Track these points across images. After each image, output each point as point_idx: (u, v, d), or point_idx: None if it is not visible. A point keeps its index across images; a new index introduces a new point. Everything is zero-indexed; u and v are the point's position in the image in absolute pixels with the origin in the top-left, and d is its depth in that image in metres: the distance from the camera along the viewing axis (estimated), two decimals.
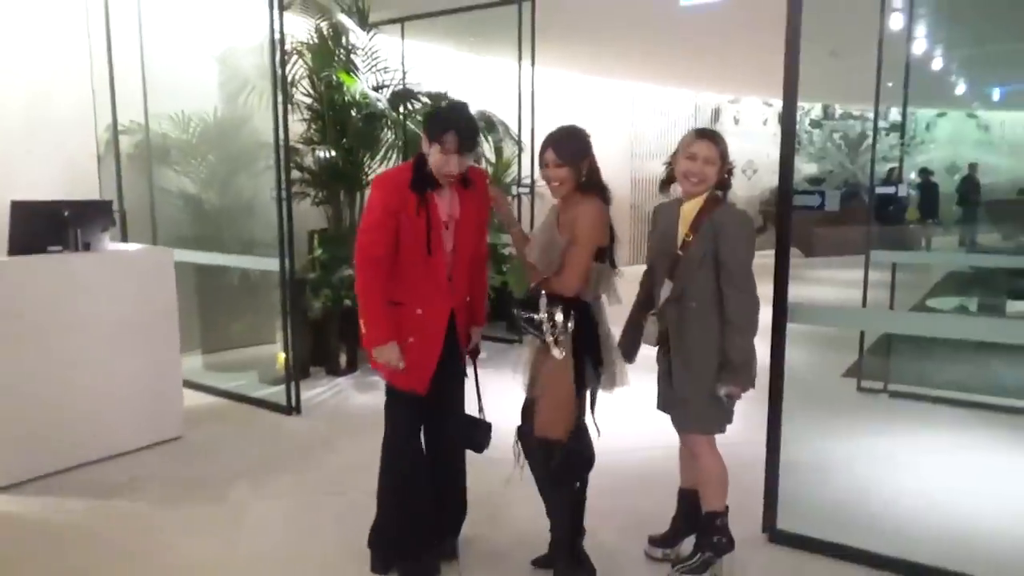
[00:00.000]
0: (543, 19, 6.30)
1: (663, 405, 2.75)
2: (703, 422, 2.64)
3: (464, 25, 6.84)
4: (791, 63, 2.78)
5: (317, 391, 5.16)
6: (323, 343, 5.59)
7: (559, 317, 2.42)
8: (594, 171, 2.50)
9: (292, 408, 4.62)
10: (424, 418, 2.74)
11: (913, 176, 13.25)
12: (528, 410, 2.64)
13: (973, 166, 13.71)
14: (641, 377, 2.70)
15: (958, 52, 9.51)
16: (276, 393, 4.81)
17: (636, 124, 12.09)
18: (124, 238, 5.11)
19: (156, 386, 4.09)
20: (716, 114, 13.35)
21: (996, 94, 12.88)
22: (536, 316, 2.45)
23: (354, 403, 4.93)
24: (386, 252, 2.50)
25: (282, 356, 4.92)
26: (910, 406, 4.84)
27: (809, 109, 15.24)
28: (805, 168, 15.05)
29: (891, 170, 13.22)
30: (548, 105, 7.31)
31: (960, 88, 12.61)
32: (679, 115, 12.84)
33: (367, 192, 6.08)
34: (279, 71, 4.46)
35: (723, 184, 2.64)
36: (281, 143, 4.39)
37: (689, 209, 2.60)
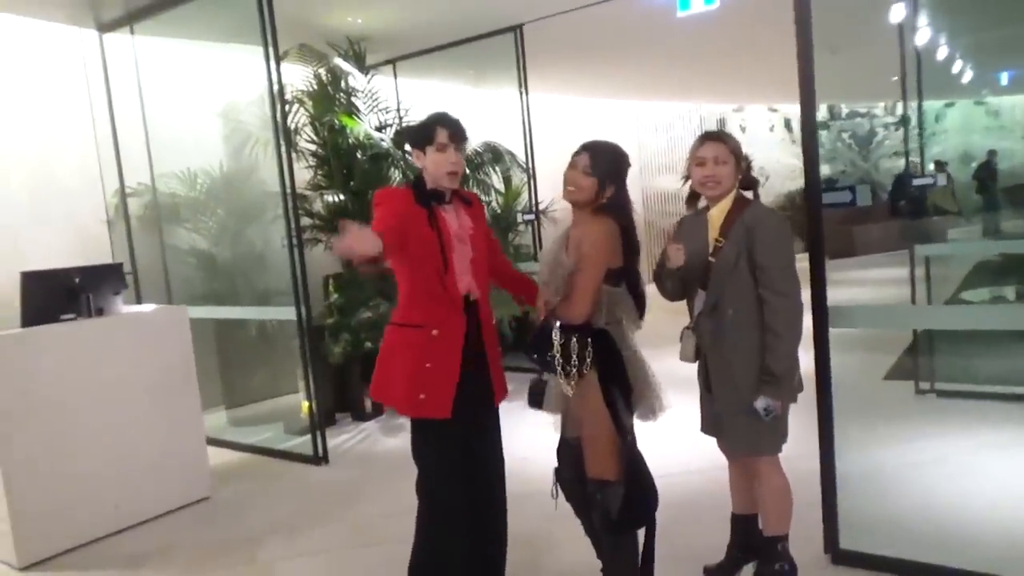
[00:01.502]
0: (535, 45, 6.28)
1: (708, 427, 2.59)
2: (755, 443, 2.45)
3: (457, 58, 6.84)
4: (805, 59, 2.67)
5: (344, 438, 5.05)
6: (346, 389, 5.50)
7: (574, 347, 2.28)
8: (618, 199, 2.36)
9: (320, 458, 4.51)
10: (458, 454, 2.57)
11: (931, 167, 13.03)
12: (563, 452, 2.49)
13: (992, 152, 13.45)
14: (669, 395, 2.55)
15: (962, 40, 9.38)
16: (303, 444, 4.71)
17: (642, 141, 12.02)
18: (138, 300, 5.07)
19: (180, 448, 4.00)
20: (721, 124, 13.27)
21: (1004, 78, 12.70)
22: (550, 352, 2.32)
23: (382, 448, 4.81)
24: (389, 232, 2.21)
25: (306, 405, 4.82)
26: (962, 405, 4.61)
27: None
28: None
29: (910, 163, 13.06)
30: (550, 131, 7.27)
31: (967, 76, 12.46)
32: (684, 128, 12.76)
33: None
34: (280, 121, 4.43)
35: (749, 182, 2.51)
36: (288, 191, 4.34)
37: (717, 214, 2.47)
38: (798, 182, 14.64)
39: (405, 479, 2.66)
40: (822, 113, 15.34)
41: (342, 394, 5.49)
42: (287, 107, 5.52)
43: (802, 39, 2.69)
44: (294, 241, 4.29)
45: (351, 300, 5.52)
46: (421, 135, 2.46)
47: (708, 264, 2.44)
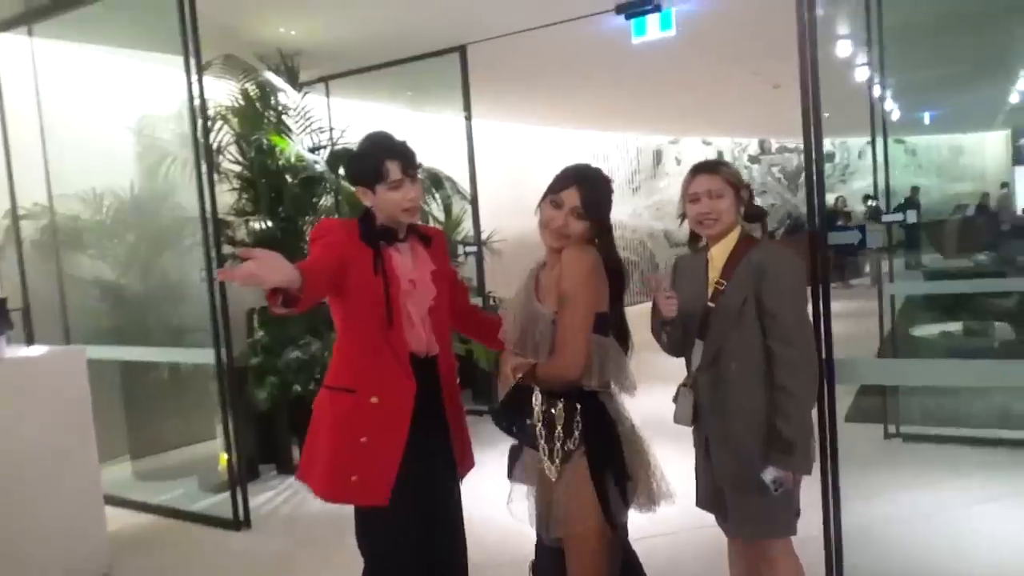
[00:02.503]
0: (477, 68, 5.96)
1: (705, 502, 2.23)
2: (764, 524, 2.10)
3: (395, 79, 6.47)
4: (811, 95, 2.43)
5: (268, 495, 4.49)
6: (272, 437, 4.94)
7: (559, 415, 1.86)
8: (606, 236, 1.99)
9: (240, 522, 3.95)
10: (410, 543, 2.12)
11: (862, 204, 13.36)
12: (542, 555, 2.06)
13: (915, 189, 13.90)
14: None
15: (891, 80, 9.58)
16: (220, 504, 4.14)
17: None
18: (29, 340, 4.43)
19: (72, 514, 3.40)
20: (658, 156, 13.26)
21: (926, 118, 13.15)
22: (529, 420, 1.88)
23: (313, 508, 4.27)
24: (312, 269, 1.86)
25: (224, 458, 4.27)
26: (934, 451, 4.41)
27: (747, 145, 15.37)
28: None
29: (838, 199, 13.35)
30: (488, 158, 6.94)
31: (894, 115, 12.84)
32: (621, 159, 12.69)
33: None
34: (202, 138, 3.94)
35: (755, 215, 2.21)
36: (208, 216, 3.83)
37: (718, 253, 2.15)
38: None
39: (340, 548, 2.24)
40: (753, 147, 15.59)
41: (267, 443, 4.93)
42: (209, 123, 5.03)
43: (805, 74, 2.43)
44: (215, 273, 3.78)
45: (278, 338, 5.00)
46: (367, 171, 2.08)
47: (707, 310, 2.13)
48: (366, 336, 2.04)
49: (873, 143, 5.13)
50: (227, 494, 4.02)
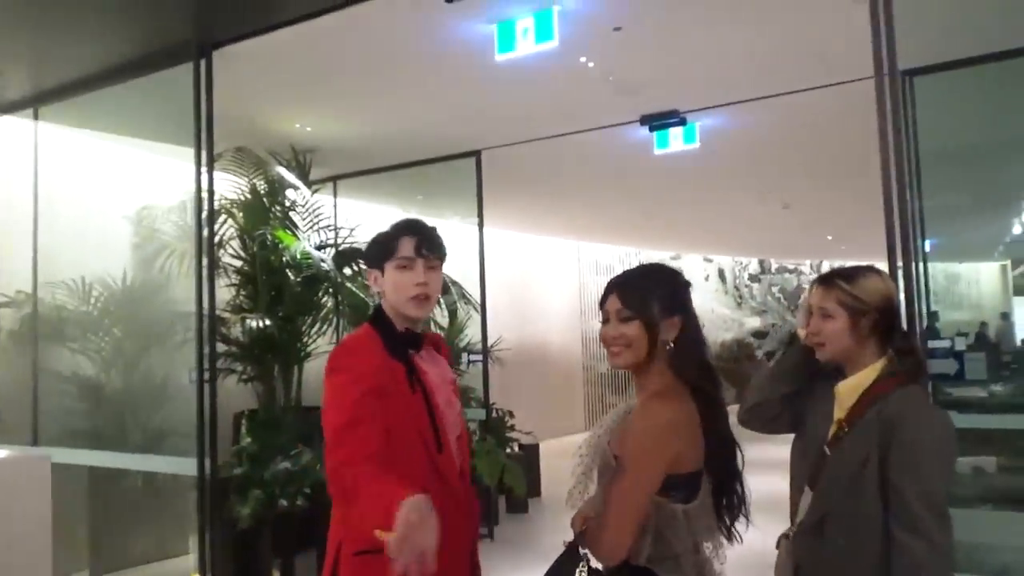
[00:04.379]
0: (488, 174, 5.87)
1: None
2: None
3: (405, 181, 6.37)
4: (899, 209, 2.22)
5: None
6: (252, 557, 4.44)
7: None
8: (686, 345, 1.60)
9: None
10: None
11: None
12: None
13: (933, 314, 13.78)
14: None
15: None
16: None
17: (583, 281, 11.74)
18: None
19: None
20: None
21: (927, 246, 13.21)
22: None
23: None
24: (379, 448, 1.59)
25: None
26: None
27: (747, 263, 15.41)
28: (748, 322, 14.96)
29: None
30: (494, 265, 6.76)
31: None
32: (624, 270, 12.62)
33: (306, 364, 5.38)
34: (207, 232, 3.73)
35: (905, 349, 1.74)
36: (206, 312, 3.55)
37: (846, 391, 1.73)
38: (731, 332, 14.64)
39: None
40: (754, 266, 15.61)
41: (246, 564, 4.43)
42: (214, 217, 4.85)
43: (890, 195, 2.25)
44: (205, 375, 3.45)
45: (267, 446, 4.60)
46: (379, 249, 1.84)
47: (823, 455, 1.73)
48: (414, 473, 1.65)
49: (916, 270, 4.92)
50: None
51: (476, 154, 5.83)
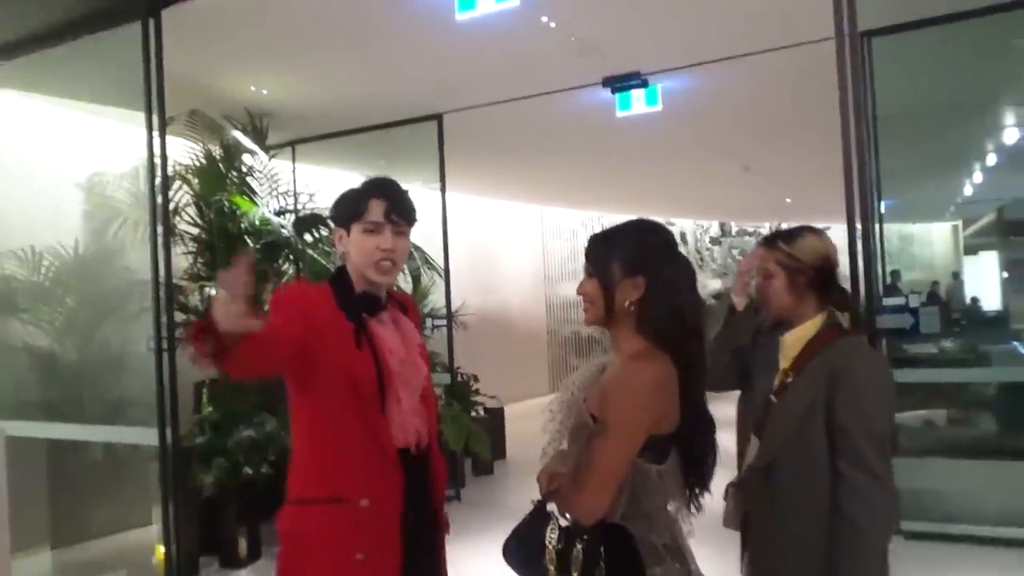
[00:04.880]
0: (450, 138, 5.80)
1: None
2: None
3: (366, 146, 6.27)
4: (865, 174, 2.24)
5: None
6: (216, 526, 4.43)
7: (576, 559, 1.45)
8: (656, 304, 1.50)
9: None
10: None
11: None
12: None
13: (895, 274, 14.02)
14: None
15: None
16: None
17: (547, 246, 11.75)
18: None
19: None
20: None
21: (882, 207, 13.46)
22: (547, 555, 1.48)
23: None
24: (273, 331, 1.55)
25: (161, 551, 3.77)
26: (942, 551, 4.09)
27: (708, 226, 15.55)
28: (710, 284, 15.15)
29: None
30: (457, 230, 6.72)
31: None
32: (586, 236, 12.63)
33: None
34: (162, 199, 3.63)
35: (839, 301, 1.86)
36: (162, 281, 3.48)
37: (792, 341, 1.83)
38: None
39: None
40: (715, 229, 15.77)
41: (210, 533, 4.42)
42: (168, 183, 4.72)
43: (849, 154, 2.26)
44: (164, 344, 3.39)
45: (229, 415, 4.56)
46: (347, 208, 1.80)
47: (769, 404, 1.81)
48: (347, 428, 1.69)
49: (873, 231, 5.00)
50: None
51: (438, 117, 5.75)
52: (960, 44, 4.77)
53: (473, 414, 6.34)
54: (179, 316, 4.78)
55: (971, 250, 15.83)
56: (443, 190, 5.91)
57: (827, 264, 1.82)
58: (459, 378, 6.27)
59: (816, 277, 1.81)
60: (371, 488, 1.69)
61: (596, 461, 1.45)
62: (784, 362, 1.83)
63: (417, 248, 6.28)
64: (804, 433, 1.72)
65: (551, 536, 1.49)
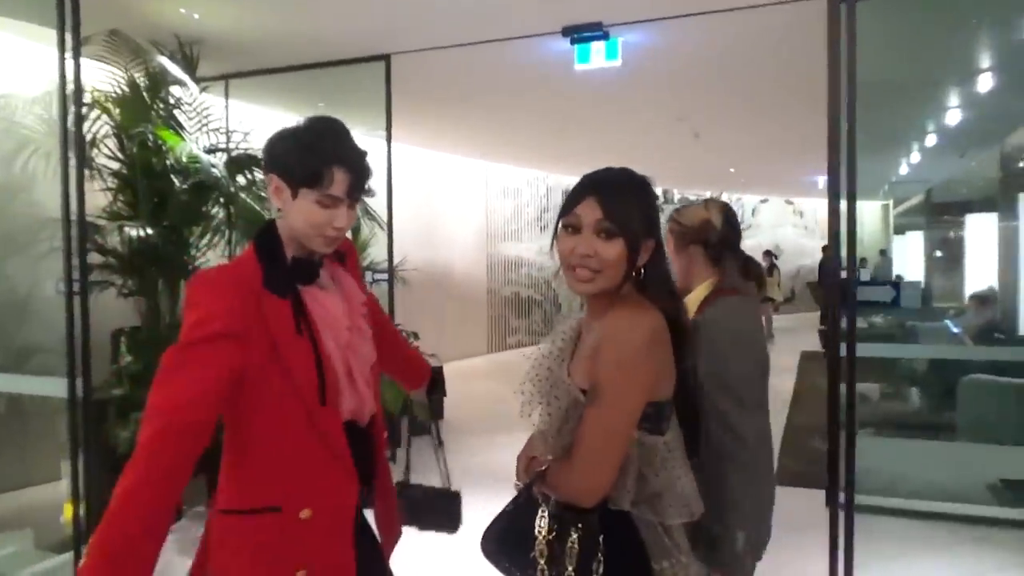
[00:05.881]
0: (398, 84, 5.48)
1: None
2: None
3: (306, 84, 5.89)
4: (844, 145, 2.10)
5: None
6: None
7: (572, 549, 1.28)
8: (661, 266, 1.40)
9: None
10: None
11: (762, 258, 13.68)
12: None
13: (827, 247, 14.28)
14: None
15: (790, 141, 9.81)
16: (60, 569, 3.35)
17: (490, 205, 11.50)
18: None
19: None
20: (566, 195, 13.12)
21: (820, 182, 13.70)
22: (532, 553, 1.31)
23: (179, 573, 3.55)
24: (208, 417, 1.35)
25: (69, 509, 3.49)
26: (891, 526, 4.11)
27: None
28: None
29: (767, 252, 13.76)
30: (400, 183, 6.43)
31: (788, 175, 13.32)
32: (531, 195, 12.45)
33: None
34: (74, 126, 3.27)
35: (744, 269, 1.94)
36: (75, 218, 3.13)
37: (690, 302, 1.87)
38: None
39: None
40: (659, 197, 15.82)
41: None
42: (85, 111, 4.30)
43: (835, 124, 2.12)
44: (75, 287, 3.07)
45: (150, 366, 4.23)
46: (300, 167, 1.48)
47: None
48: (286, 429, 1.46)
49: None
50: (70, 555, 3.27)
51: (386, 58, 5.41)
52: (909, 18, 4.72)
53: None
54: (96, 258, 4.43)
55: (899, 229, 16.33)
56: (388, 138, 5.61)
57: (706, 227, 1.90)
58: (400, 335, 6.06)
59: (695, 239, 1.91)
60: (314, 494, 1.48)
61: (591, 432, 1.26)
62: None
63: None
64: (684, 390, 1.73)
65: (540, 525, 1.32)
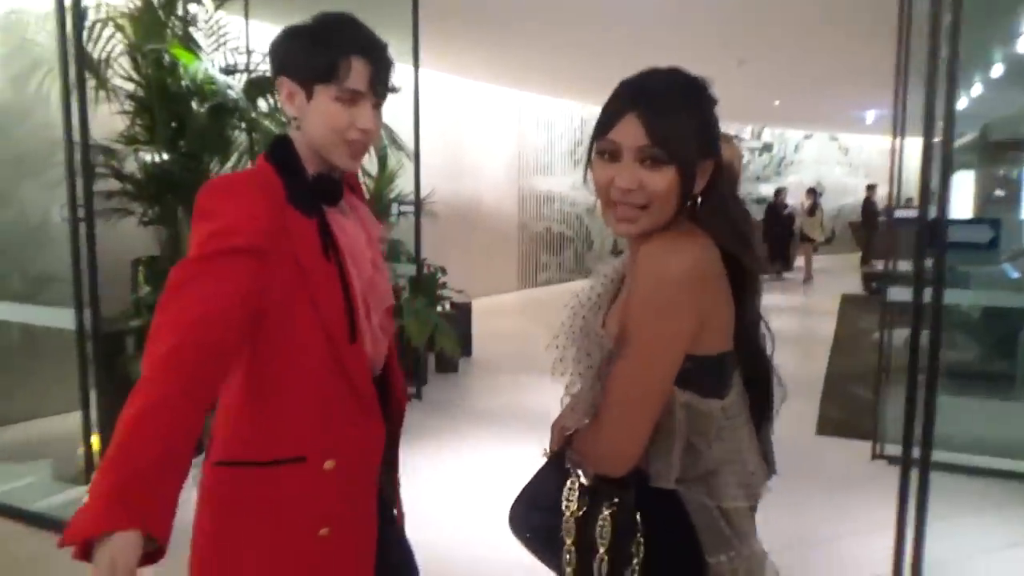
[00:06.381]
0: (427, 6, 5.14)
1: None
2: None
3: (330, 6, 5.56)
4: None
5: None
6: None
7: (603, 529, 1.07)
8: (721, 191, 1.12)
9: None
10: None
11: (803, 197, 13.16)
12: None
13: (872, 188, 13.64)
14: None
15: (837, 76, 9.24)
16: (77, 501, 3.29)
17: (523, 136, 11.13)
18: None
19: None
20: None
21: (870, 116, 13.04)
22: (564, 525, 1.10)
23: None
24: (231, 338, 1.14)
25: (97, 442, 3.41)
26: (944, 481, 3.85)
27: None
28: None
29: (779, 190, 13.13)
30: (428, 111, 6.12)
31: (831, 111, 12.64)
32: (565, 127, 12.02)
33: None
34: (74, 35, 3.03)
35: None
36: (78, 139, 2.93)
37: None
38: None
39: None
40: None
41: None
42: (97, 27, 4.09)
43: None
44: (79, 213, 2.89)
45: None
46: (313, 59, 1.27)
47: None
48: (310, 368, 1.26)
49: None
50: (84, 488, 3.19)
51: None
52: None
53: (439, 308, 5.98)
54: (114, 184, 4.28)
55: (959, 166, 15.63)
56: (416, 64, 5.31)
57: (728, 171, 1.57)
58: (426, 270, 5.87)
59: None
60: (339, 444, 1.29)
61: (616, 386, 1.05)
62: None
63: (384, 125, 5.72)
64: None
65: (568, 499, 1.10)
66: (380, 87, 1.30)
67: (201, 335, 1.09)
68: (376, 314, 1.37)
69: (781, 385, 1.18)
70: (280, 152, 1.32)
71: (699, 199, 1.11)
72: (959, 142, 15.20)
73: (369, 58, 1.28)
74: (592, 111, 12.37)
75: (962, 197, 14.76)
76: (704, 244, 1.06)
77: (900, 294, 3.78)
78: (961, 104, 10.82)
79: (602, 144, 1.10)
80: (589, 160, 1.13)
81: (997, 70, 8.36)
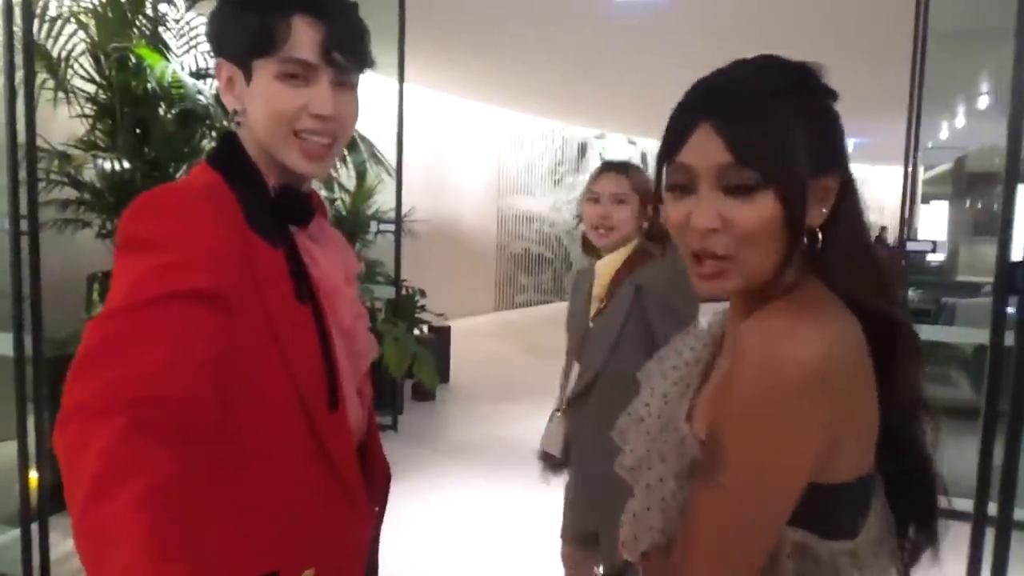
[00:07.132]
0: (413, 16, 4.93)
1: None
2: None
3: None
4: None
5: None
6: None
7: None
8: (851, 221, 0.80)
9: None
10: None
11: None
12: None
13: (883, 229, 14.10)
14: None
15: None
16: (9, 546, 2.95)
17: (503, 155, 10.91)
18: None
19: None
20: (582, 149, 12.51)
21: (850, 145, 13.07)
22: None
23: None
24: (201, 395, 0.79)
25: (34, 478, 3.06)
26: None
27: None
28: None
29: (883, 228, 13.33)
30: (409, 126, 5.87)
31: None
32: (546, 147, 11.84)
33: None
34: (24, 25, 2.73)
35: (658, 234, 1.85)
36: (24, 141, 2.62)
37: (606, 266, 1.87)
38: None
39: None
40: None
41: None
42: (58, 23, 3.81)
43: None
44: (22, 226, 2.57)
45: None
46: (246, 27, 0.94)
47: (587, 330, 1.90)
48: (280, 446, 0.94)
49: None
50: (17, 532, 2.86)
51: None
52: None
53: (417, 332, 5.69)
54: (70, 192, 3.98)
55: (925, 198, 15.71)
56: (401, 75, 5.08)
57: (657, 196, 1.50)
58: (405, 291, 5.59)
59: (654, 209, 1.82)
60: (319, 547, 0.98)
61: (702, 522, 0.74)
62: (599, 289, 1.86)
63: (363, 139, 5.44)
64: (616, 350, 1.77)
65: None
66: (342, 56, 0.96)
67: (168, 393, 0.76)
68: (356, 374, 1.07)
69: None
70: (227, 155, 1.00)
71: (819, 235, 0.80)
72: (933, 172, 15.37)
73: (320, 17, 0.94)
74: (572, 132, 12.23)
75: (939, 228, 14.94)
76: (840, 326, 0.74)
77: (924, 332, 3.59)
78: (942, 135, 10.86)
79: (671, 172, 0.79)
80: (657, 193, 0.82)
81: (984, 100, 8.35)
